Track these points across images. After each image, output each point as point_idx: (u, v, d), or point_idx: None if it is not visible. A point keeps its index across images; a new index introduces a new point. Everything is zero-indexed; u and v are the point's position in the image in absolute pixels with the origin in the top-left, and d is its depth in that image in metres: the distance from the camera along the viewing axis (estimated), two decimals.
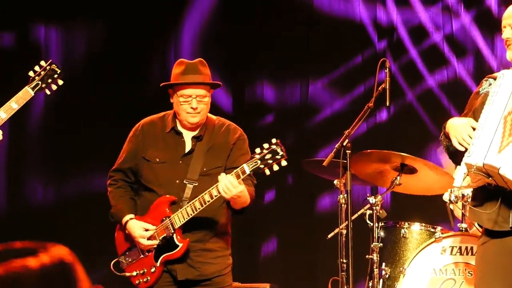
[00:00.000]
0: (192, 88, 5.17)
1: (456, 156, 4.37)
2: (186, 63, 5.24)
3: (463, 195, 5.80)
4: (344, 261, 5.62)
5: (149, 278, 5.15)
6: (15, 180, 8.39)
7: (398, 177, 5.97)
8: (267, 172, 4.93)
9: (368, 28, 8.24)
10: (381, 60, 5.57)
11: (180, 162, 5.17)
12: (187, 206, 5.01)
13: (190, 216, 5.02)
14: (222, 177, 4.91)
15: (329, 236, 6.26)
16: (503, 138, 4.12)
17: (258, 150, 4.91)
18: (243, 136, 5.28)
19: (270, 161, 4.88)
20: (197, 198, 4.99)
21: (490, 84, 4.41)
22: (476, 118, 4.33)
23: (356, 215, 6.10)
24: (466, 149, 4.22)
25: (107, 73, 8.36)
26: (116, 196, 5.27)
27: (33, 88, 5.11)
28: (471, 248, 5.78)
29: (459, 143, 4.25)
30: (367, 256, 6.01)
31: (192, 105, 5.14)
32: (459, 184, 4.25)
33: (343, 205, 5.69)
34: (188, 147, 5.21)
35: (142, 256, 5.18)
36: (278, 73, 8.33)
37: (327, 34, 8.29)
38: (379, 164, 6.05)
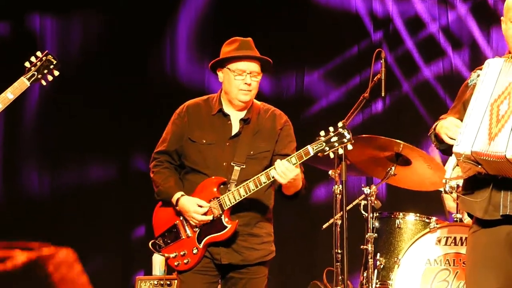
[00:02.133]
0: (247, 61, 5.09)
1: (449, 151, 4.39)
2: (240, 40, 5.17)
3: (458, 186, 5.81)
4: (339, 251, 5.63)
5: (189, 259, 5.03)
6: (11, 171, 8.38)
7: (393, 168, 5.98)
8: (331, 155, 4.88)
9: (364, 19, 8.23)
10: (377, 50, 5.56)
11: (227, 144, 5.08)
12: (240, 187, 4.93)
13: (242, 197, 4.93)
14: (279, 163, 4.84)
15: (324, 226, 6.26)
16: (490, 125, 4.14)
17: (322, 132, 4.86)
18: (289, 122, 5.23)
19: (336, 144, 4.84)
20: (251, 179, 4.91)
21: (478, 75, 4.42)
22: (466, 110, 4.35)
23: (351, 206, 6.10)
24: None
25: (102, 62, 8.34)
26: (164, 175, 5.14)
27: (29, 79, 5.10)
28: (466, 238, 5.78)
29: (449, 137, 4.27)
30: (362, 247, 6.01)
31: (246, 80, 5.05)
32: (449, 175, 4.27)
33: (338, 195, 5.70)
34: (235, 129, 5.12)
35: (183, 237, 5.06)
36: (273, 65, 8.30)
37: (323, 25, 8.28)
38: (374, 152, 6.06)
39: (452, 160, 4.29)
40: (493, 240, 4.29)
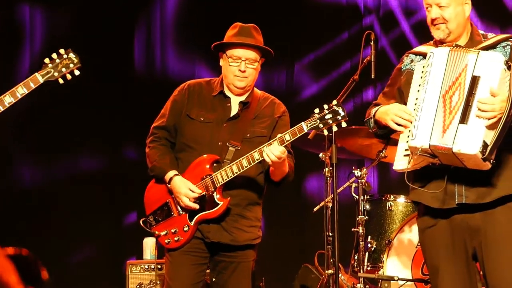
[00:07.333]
0: (242, 48, 5.09)
1: (383, 137, 4.45)
2: (240, 25, 5.17)
3: None
4: (330, 234, 5.62)
5: (180, 237, 5.02)
6: (2, 163, 8.36)
7: (384, 150, 5.97)
8: (326, 132, 4.84)
9: (357, 1, 8.24)
10: (366, 32, 5.53)
11: (225, 125, 5.08)
12: (233, 164, 4.91)
13: (235, 174, 4.91)
14: (265, 147, 4.82)
15: (315, 209, 6.25)
16: (445, 117, 4.12)
17: (317, 110, 4.82)
18: (287, 113, 5.23)
19: (331, 121, 4.79)
20: (244, 156, 4.89)
21: (412, 61, 4.43)
22: (402, 96, 4.38)
23: (341, 188, 6.10)
24: (405, 127, 4.22)
25: (92, 53, 8.30)
26: (160, 151, 5.12)
27: (43, 76, 4.79)
28: None
29: (397, 124, 4.25)
30: (353, 229, 6.01)
31: (241, 67, 5.06)
32: (404, 166, 4.23)
33: (328, 178, 5.67)
34: (234, 111, 5.13)
35: (174, 215, 5.06)
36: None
37: (314, 10, 8.27)
38: (365, 139, 6.05)
39: (400, 150, 4.24)
40: (449, 228, 4.29)
